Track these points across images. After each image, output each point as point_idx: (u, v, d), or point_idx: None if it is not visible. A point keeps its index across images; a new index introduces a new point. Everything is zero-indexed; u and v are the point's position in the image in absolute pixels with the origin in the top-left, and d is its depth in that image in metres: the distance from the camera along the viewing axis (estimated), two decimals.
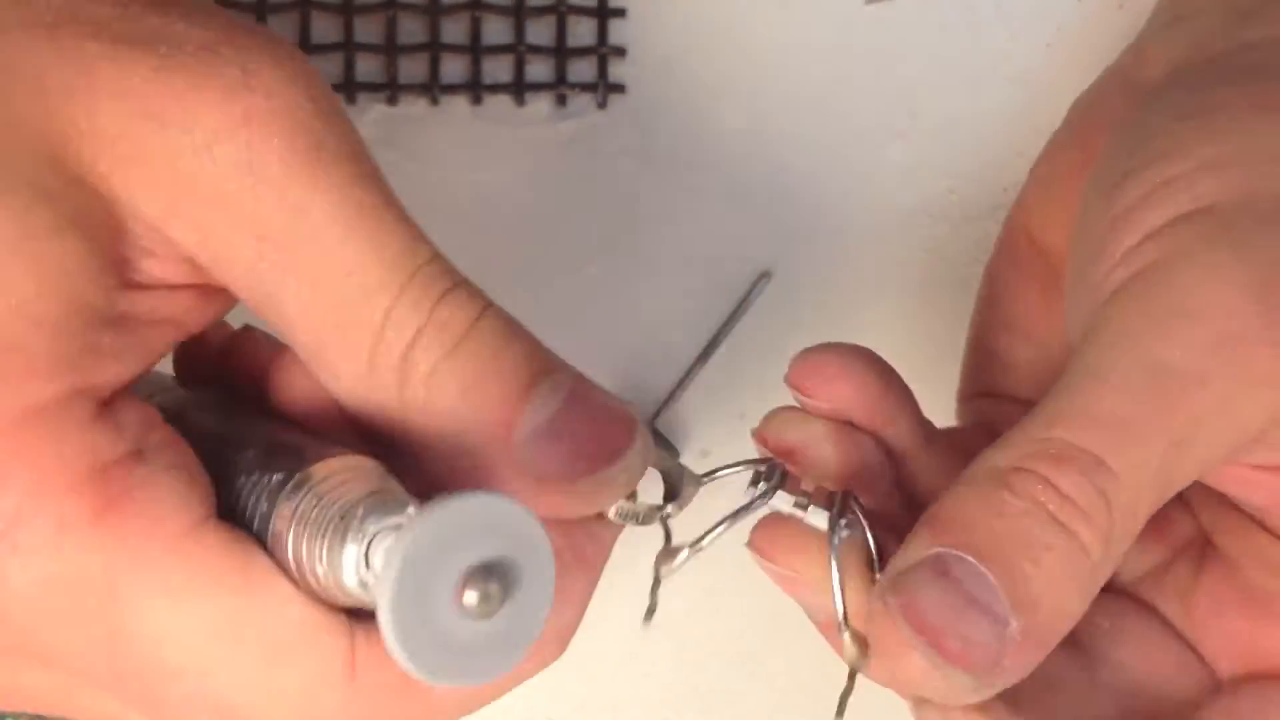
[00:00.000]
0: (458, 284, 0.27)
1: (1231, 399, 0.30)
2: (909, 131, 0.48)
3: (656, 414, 0.47)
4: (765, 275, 0.47)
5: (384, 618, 0.25)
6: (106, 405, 0.27)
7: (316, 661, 0.27)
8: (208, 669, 0.26)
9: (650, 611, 0.32)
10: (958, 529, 0.29)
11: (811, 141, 0.47)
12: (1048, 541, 0.28)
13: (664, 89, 0.48)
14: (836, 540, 0.31)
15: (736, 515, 0.32)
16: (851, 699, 0.48)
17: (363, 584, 0.26)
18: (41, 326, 0.26)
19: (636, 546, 0.48)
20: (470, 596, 0.25)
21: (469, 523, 0.25)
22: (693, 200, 0.47)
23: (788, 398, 0.48)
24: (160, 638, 0.26)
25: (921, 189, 0.48)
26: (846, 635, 0.31)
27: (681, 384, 0.47)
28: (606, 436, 0.28)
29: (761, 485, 0.32)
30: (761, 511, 0.33)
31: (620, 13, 0.47)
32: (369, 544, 0.26)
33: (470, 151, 0.47)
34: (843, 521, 0.31)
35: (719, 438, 0.47)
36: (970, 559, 0.28)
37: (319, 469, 0.27)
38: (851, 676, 0.32)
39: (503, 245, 0.47)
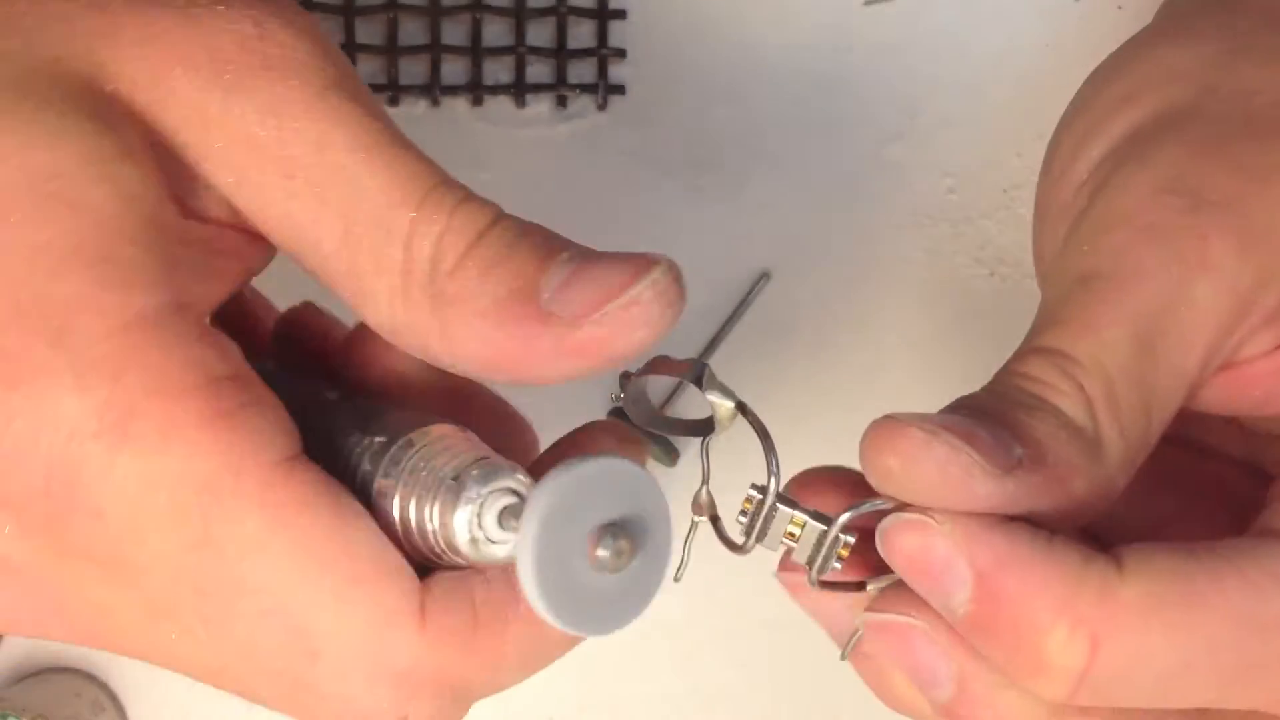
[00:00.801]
0: (470, 196, 0.29)
1: (1178, 289, 0.31)
2: (908, 132, 0.48)
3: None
4: (765, 275, 0.47)
5: (525, 570, 0.26)
6: (207, 327, 0.28)
7: (390, 598, 0.28)
8: (289, 589, 0.27)
9: (680, 569, 0.32)
10: (951, 408, 0.30)
11: (811, 142, 0.48)
12: (1034, 406, 0.30)
13: (664, 90, 0.48)
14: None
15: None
16: (853, 706, 0.48)
17: (473, 541, 0.28)
18: (131, 241, 0.27)
19: None
20: (603, 551, 0.27)
21: (599, 483, 0.27)
22: (693, 200, 0.47)
23: (787, 397, 0.48)
24: (248, 551, 0.27)
25: (921, 189, 0.48)
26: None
27: (682, 383, 0.47)
28: (624, 268, 0.29)
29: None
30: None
31: (620, 14, 0.47)
32: (482, 505, 0.28)
33: (471, 152, 0.47)
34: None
35: (718, 436, 0.47)
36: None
37: (421, 434, 0.29)
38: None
39: None
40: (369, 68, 0.47)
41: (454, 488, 0.28)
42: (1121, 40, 0.41)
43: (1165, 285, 0.31)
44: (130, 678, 0.48)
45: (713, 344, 0.47)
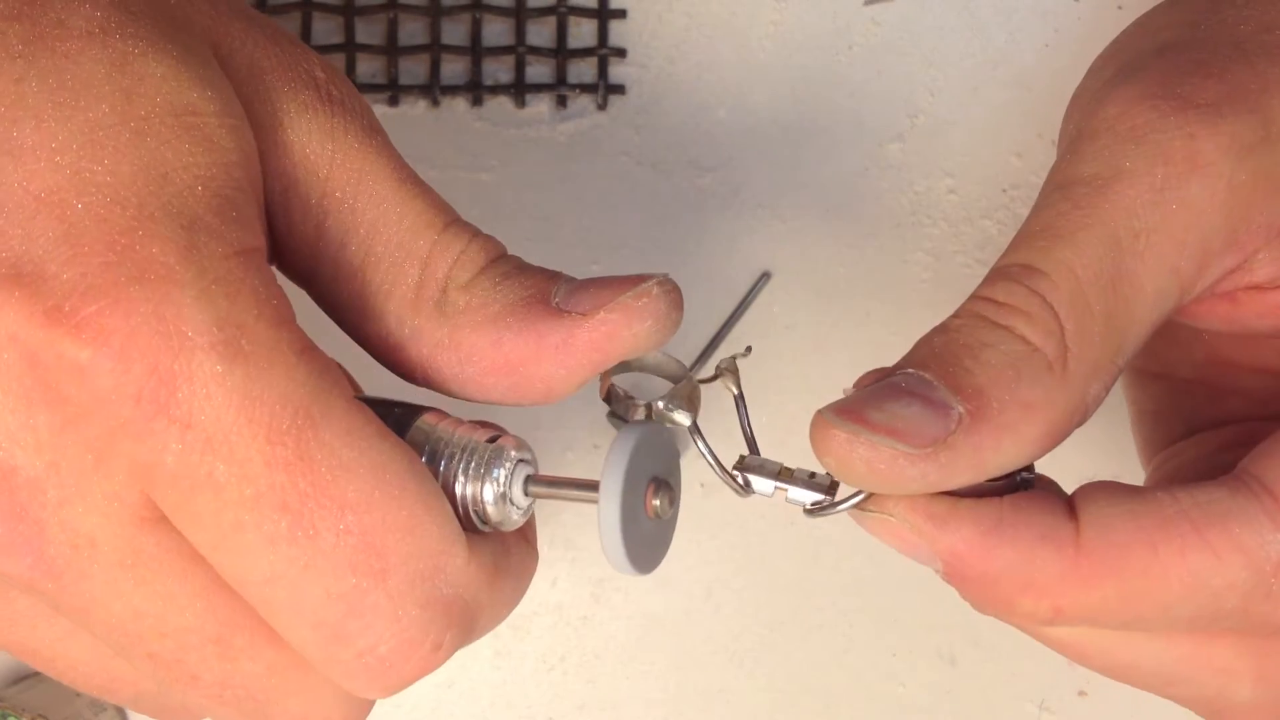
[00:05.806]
0: (481, 233, 0.33)
1: (1164, 188, 0.31)
2: (908, 132, 0.48)
3: None
4: (765, 275, 0.47)
5: (609, 519, 0.30)
6: None
7: (450, 527, 0.30)
8: (371, 509, 0.29)
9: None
10: (906, 357, 0.31)
11: (811, 142, 0.47)
12: (985, 341, 0.30)
13: (664, 90, 0.48)
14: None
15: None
16: (860, 701, 0.48)
17: (501, 497, 0.31)
18: (243, 189, 0.29)
19: None
20: (657, 500, 0.31)
21: (651, 443, 0.31)
22: (693, 200, 0.47)
23: (787, 396, 0.48)
24: (339, 472, 0.28)
25: (921, 189, 0.48)
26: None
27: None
28: (628, 277, 0.32)
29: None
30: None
31: (620, 14, 0.47)
32: (514, 467, 0.31)
33: (471, 152, 0.47)
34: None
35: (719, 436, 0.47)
36: (911, 369, 0.30)
37: (432, 414, 0.31)
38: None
39: None
40: (369, 68, 0.47)
41: (490, 450, 0.31)
42: None
43: (1148, 184, 0.31)
44: None
45: (713, 344, 0.47)
